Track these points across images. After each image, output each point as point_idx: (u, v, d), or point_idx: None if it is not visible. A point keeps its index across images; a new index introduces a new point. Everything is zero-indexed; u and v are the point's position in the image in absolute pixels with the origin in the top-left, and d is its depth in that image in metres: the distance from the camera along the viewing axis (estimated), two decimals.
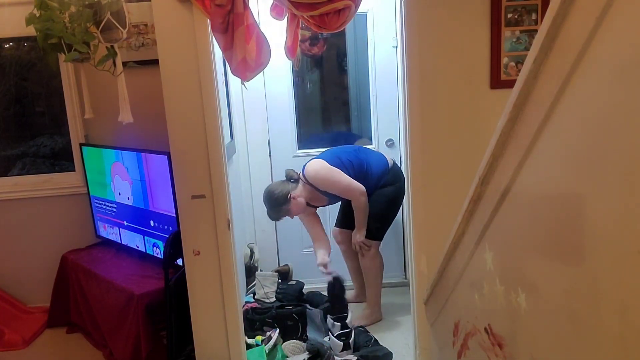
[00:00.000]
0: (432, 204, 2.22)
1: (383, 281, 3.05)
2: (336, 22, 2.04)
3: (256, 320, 2.79)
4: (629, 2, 0.69)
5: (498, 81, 2.14)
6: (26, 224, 3.28)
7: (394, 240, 3.36)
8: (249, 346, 2.52)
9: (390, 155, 3.12)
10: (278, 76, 3.24)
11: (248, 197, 3.37)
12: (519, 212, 1.07)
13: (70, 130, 3.21)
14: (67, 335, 3.10)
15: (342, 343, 2.59)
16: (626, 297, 0.71)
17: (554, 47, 0.87)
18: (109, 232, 3.17)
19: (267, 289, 3.10)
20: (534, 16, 2.11)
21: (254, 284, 3.21)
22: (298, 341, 2.70)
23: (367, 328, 2.88)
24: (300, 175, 2.90)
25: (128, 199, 2.94)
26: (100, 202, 3.14)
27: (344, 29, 2.70)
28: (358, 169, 2.86)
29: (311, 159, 2.93)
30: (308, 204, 2.95)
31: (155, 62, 2.19)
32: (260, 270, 3.30)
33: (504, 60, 2.13)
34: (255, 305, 2.92)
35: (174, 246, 2.38)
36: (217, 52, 2.19)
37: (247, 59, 2.01)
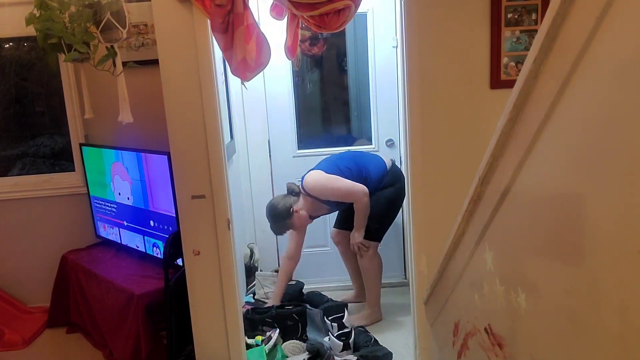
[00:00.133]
0: (432, 204, 2.21)
1: (383, 281, 3.05)
2: (336, 22, 2.04)
3: (256, 320, 2.79)
4: (629, 2, 0.69)
5: (498, 81, 2.14)
6: (26, 224, 3.28)
7: (394, 241, 3.36)
8: (249, 346, 2.52)
9: (390, 156, 3.12)
10: (278, 76, 3.24)
11: (248, 197, 3.37)
12: (519, 212, 1.07)
13: (70, 130, 3.21)
14: (67, 335, 3.10)
15: (342, 343, 2.59)
16: (626, 297, 0.71)
17: (554, 47, 0.87)
18: (109, 232, 3.17)
19: (267, 289, 3.11)
20: (534, 16, 2.11)
21: (254, 284, 3.21)
22: (298, 341, 2.70)
23: (367, 328, 2.88)
24: (300, 188, 2.90)
25: (128, 199, 2.94)
26: (100, 202, 3.14)
27: (344, 29, 2.70)
28: (357, 174, 2.86)
29: (308, 171, 2.92)
30: (310, 217, 2.95)
31: (155, 62, 2.18)
32: (260, 271, 3.31)
33: (504, 60, 2.13)
34: (249, 307, 2.91)
35: (174, 246, 2.38)
36: (217, 52, 2.19)
37: (247, 59, 2.01)
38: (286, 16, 2.30)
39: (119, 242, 3.10)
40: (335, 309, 2.88)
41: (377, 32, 3.18)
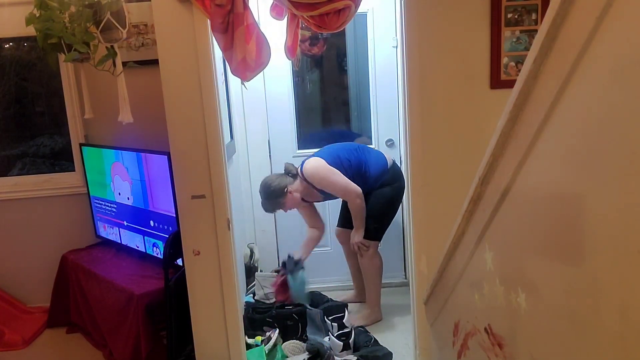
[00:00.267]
0: (432, 203, 2.21)
1: (383, 281, 3.05)
2: (336, 22, 2.04)
3: (256, 320, 2.79)
4: (629, 2, 0.69)
5: (498, 81, 2.14)
6: (26, 224, 3.28)
7: (394, 240, 3.36)
8: (249, 346, 2.52)
9: (391, 156, 3.12)
10: (278, 76, 3.24)
11: (248, 197, 3.37)
12: (519, 212, 1.07)
13: (70, 130, 3.21)
14: (67, 335, 3.10)
15: (342, 343, 2.59)
16: (626, 296, 0.71)
17: (554, 47, 0.87)
18: (109, 232, 3.17)
19: (267, 290, 3.10)
20: (534, 16, 2.11)
21: (254, 284, 3.21)
22: (298, 341, 2.70)
23: (367, 328, 2.88)
24: (299, 172, 2.90)
25: (128, 199, 2.94)
26: (100, 202, 3.14)
27: (344, 29, 2.70)
28: (356, 168, 2.86)
29: (310, 156, 2.93)
30: (303, 200, 2.96)
31: (155, 62, 2.18)
32: (261, 271, 3.30)
33: (504, 60, 2.13)
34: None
35: (174, 246, 2.38)
36: (217, 52, 2.19)
37: (247, 59, 2.01)
38: (286, 16, 2.31)
39: (119, 242, 3.10)
40: (335, 309, 2.88)
41: (377, 32, 3.18)
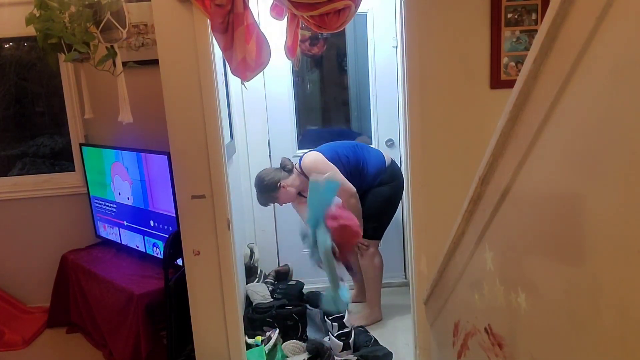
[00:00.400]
0: (432, 203, 2.21)
1: (383, 281, 3.05)
2: (336, 22, 2.04)
3: (256, 320, 2.79)
4: (629, 2, 0.69)
5: (498, 81, 2.14)
6: (26, 224, 3.28)
7: (394, 240, 3.36)
8: (249, 346, 2.52)
9: (390, 156, 3.12)
10: (278, 76, 3.24)
11: (248, 197, 3.37)
12: (519, 212, 1.07)
13: (70, 130, 3.21)
14: (67, 335, 3.10)
15: (342, 343, 2.60)
16: (626, 296, 0.71)
17: (554, 47, 0.87)
18: (109, 232, 3.17)
19: (262, 293, 3.09)
20: (534, 16, 2.11)
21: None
22: (298, 341, 2.70)
23: (367, 328, 2.88)
24: (296, 166, 2.91)
25: (128, 199, 2.94)
26: (100, 202, 3.14)
27: (344, 29, 2.70)
28: (354, 165, 2.86)
29: (309, 151, 2.94)
30: (300, 194, 2.96)
31: (155, 62, 2.18)
32: (260, 271, 3.30)
33: (504, 60, 2.13)
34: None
35: (174, 246, 2.38)
36: (217, 52, 2.19)
37: (247, 59, 2.01)
38: (286, 16, 2.31)
39: (119, 242, 3.10)
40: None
41: (377, 32, 3.18)
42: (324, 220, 2.28)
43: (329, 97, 3.62)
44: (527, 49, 2.11)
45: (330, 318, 2.78)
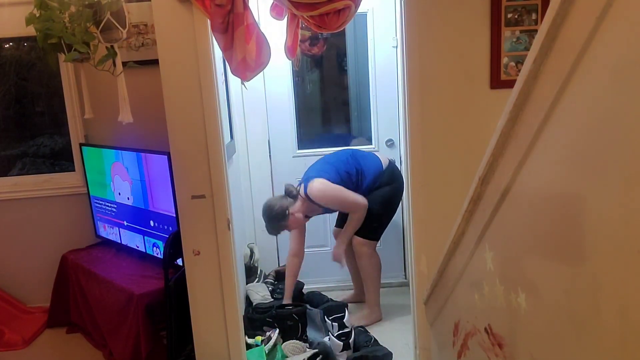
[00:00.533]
0: (432, 203, 2.21)
1: (383, 281, 3.05)
2: (336, 22, 2.04)
3: (256, 320, 2.79)
4: (629, 2, 0.69)
5: (498, 81, 2.14)
6: (26, 224, 3.28)
7: (394, 241, 3.36)
8: (249, 346, 2.52)
9: (390, 156, 3.12)
10: (278, 76, 3.24)
11: (248, 197, 3.37)
12: (519, 212, 1.07)
13: (70, 130, 3.21)
14: (67, 335, 3.10)
15: (342, 343, 2.59)
16: (626, 297, 0.71)
17: (554, 47, 0.87)
18: (109, 232, 3.17)
19: (262, 293, 3.09)
20: (534, 16, 2.11)
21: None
22: (298, 341, 2.70)
23: (367, 328, 2.88)
24: (301, 193, 2.89)
25: (128, 199, 2.94)
26: (100, 202, 3.14)
27: (344, 29, 2.70)
28: (355, 177, 2.89)
29: (310, 176, 2.89)
30: (306, 216, 2.97)
31: (155, 62, 2.18)
32: (260, 271, 3.30)
33: (504, 60, 2.13)
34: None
35: (174, 246, 2.38)
36: (217, 52, 2.19)
37: (247, 59, 2.01)
38: (286, 16, 2.31)
39: (119, 242, 3.10)
40: (336, 309, 2.88)
41: (377, 32, 3.18)
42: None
43: (329, 97, 3.63)
44: (527, 49, 2.11)
45: (330, 318, 2.78)
